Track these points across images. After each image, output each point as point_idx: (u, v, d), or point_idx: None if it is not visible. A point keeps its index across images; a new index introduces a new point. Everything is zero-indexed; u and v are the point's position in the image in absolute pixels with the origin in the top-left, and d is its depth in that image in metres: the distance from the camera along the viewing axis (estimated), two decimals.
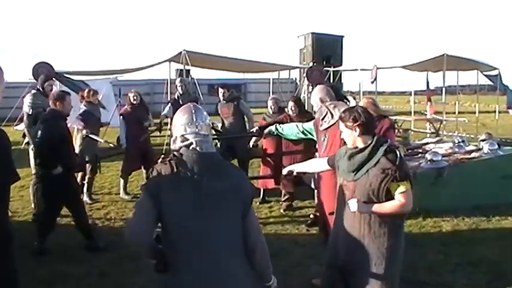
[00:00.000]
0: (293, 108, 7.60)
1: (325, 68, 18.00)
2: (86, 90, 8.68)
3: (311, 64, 18.54)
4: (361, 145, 3.51)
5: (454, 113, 16.86)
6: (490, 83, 16.94)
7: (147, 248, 2.75)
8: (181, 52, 13.21)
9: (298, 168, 4.50)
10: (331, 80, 18.34)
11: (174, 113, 3.12)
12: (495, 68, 15.89)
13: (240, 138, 8.57)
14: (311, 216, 7.24)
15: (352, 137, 3.57)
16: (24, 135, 8.31)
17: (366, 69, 17.61)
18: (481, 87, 19.17)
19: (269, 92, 19.51)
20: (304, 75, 17.94)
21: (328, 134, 5.11)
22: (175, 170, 2.67)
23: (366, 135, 3.51)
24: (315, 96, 5.51)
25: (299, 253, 6.03)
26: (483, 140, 8.92)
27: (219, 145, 8.88)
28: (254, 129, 7.00)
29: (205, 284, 2.63)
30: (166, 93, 13.97)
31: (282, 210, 7.88)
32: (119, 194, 8.93)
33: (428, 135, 15.49)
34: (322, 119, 5.23)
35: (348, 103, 6.53)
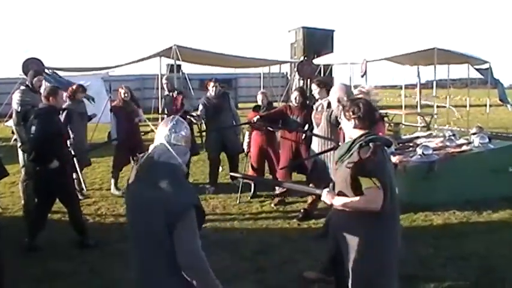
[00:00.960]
0: (297, 98, 7.53)
1: (316, 60, 18.00)
2: (75, 86, 8.61)
3: (302, 58, 18.56)
4: (354, 137, 3.51)
5: (445, 106, 16.90)
6: (480, 76, 16.99)
7: None
8: (171, 47, 13.17)
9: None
10: (322, 74, 18.34)
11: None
12: (486, 62, 15.94)
13: (232, 132, 8.58)
14: (302, 210, 7.24)
15: (349, 128, 3.57)
16: (13, 132, 8.25)
17: (356, 63, 17.60)
18: (472, 80, 19.22)
19: (260, 87, 19.49)
20: (295, 69, 17.96)
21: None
22: (130, 174, 2.93)
23: (362, 129, 3.49)
24: (334, 94, 5.42)
25: (290, 248, 6.01)
26: (474, 134, 8.96)
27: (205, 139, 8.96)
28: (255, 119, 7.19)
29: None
30: (157, 88, 13.91)
31: (273, 205, 7.86)
32: (110, 189, 8.89)
33: (419, 129, 15.53)
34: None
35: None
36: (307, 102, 7.69)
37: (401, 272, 4.84)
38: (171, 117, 3.05)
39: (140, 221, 2.79)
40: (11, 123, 8.16)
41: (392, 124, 15.48)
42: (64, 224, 6.42)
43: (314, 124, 6.69)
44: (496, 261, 5.51)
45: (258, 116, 7.70)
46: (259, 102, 8.55)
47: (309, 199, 7.17)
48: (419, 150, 7.87)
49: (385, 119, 12.40)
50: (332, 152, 5.96)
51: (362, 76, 16.91)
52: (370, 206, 3.34)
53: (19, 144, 7.47)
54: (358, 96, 5.10)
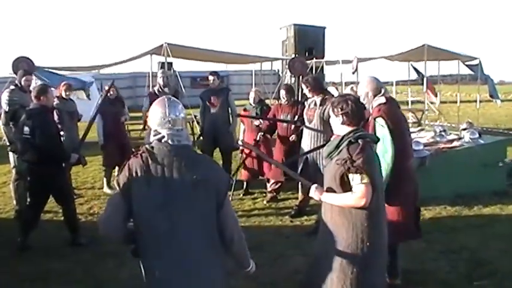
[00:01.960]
0: (285, 97, 7.59)
1: (307, 61, 18.03)
2: (62, 85, 8.54)
3: (293, 55, 18.58)
4: (342, 134, 3.51)
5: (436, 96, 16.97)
6: (471, 72, 17.06)
7: (117, 241, 2.89)
8: (162, 45, 13.14)
9: None
10: (313, 71, 18.36)
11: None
12: (475, 58, 16.01)
13: (225, 128, 8.56)
14: (294, 207, 7.26)
15: (337, 124, 3.58)
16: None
17: (347, 60, 17.66)
18: (462, 76, 19.31)
19: (252, 84, 19.50)
20: (287, 66, 17.98)
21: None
22: (145, 164, 2.69)
23: (349, 125, 3.49)
24: (363, 89, 4.89)
25: (283, 244, 6.04)
26: (464, 129, 9.02)
27: (200, 136, 8.90)
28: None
29: (176, 278, 2.67)
30: (149, 86, 13.88)
31: (265, 202, 7.89)
32: (102, 188, 8.87)
33: (410, 124, 15.58)
34: None
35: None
36: (298, 99, 7.70)
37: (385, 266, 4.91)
38: (163, 98, 2.93)
39: (182, 203, 2.67)
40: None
41: None
42: (56, 224, 6.41)
43: (306, 121, 6.70)
44: (487, 254, 5.56)
45: (261, 133, 7.92)
46: (251, 101, 8.53)
47: (301, 196, 7.19)
48: None
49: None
50: (323, 149, 5.96)
51: (353, 73, 16.97)
52: (359, 203, 3.33)
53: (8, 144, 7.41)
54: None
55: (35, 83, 8.52)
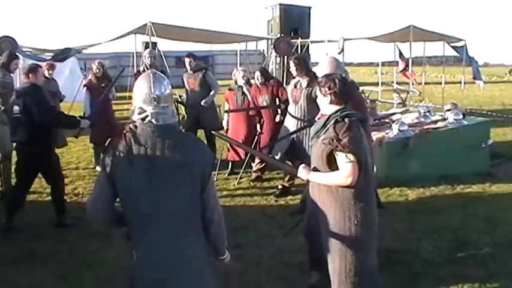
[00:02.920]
0: (259, 78, 7.70)
1: (293, 40, 17.95)
2: (45, 64, 8.44)
3: (278, 35, 18.50)
4: (329, 113, 3.51)
5: (421, 83, 17.04)
6: (456, 54, 17.11)
7: (104, 224, 2.84)
8: (146, 24, 12.98)
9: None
10: (299, 51, 18.29)
11: None
12: (461, 40, 16.05)
13: (208, 109, 8.52)
14: (279, 187, 7.29)
15: (324, 104, 3.58)
16: None
17: (333, 40, 17.61)
18: (448, 58, 19.34)
19: (236, 64, 19.38)
20: (272, 46, 17.90)
21: None
22: (129, 145, 2.61)
23: (337, 104, 3.49)
24: (322, 70, 4.88)
25: (268, 224, 6.05)
26: (448, 110, 9.08)
27: (186, 117, 8.85)
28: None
29: (162, 261, 2.61)
30: (133, 66, 13.74)
31: (250, 181, 7.91)
32: (87, 169, 8.82)
33: (395, 105, 15.66)
34: None
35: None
36: (283, 79, 7.77)
37: (377, 246, 4.96)
38: (148, 73, 2.80)
39: (165, 185, 2.60)
40: None
41: (368, 101, 15.57)
42: (42, 204, 6.36)
43: (291, 101, 6.69)
44: (469, 234, 5.64)
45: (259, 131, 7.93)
46: (239, 81, 8.47)
47: (286, 176, 7.22)
48: (394, 127, 7.95)
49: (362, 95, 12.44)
50: (309, 129, 5.98)
51: (339, 53, 16.95)
52: (346, 181, 3.35)
53: None
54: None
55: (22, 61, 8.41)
